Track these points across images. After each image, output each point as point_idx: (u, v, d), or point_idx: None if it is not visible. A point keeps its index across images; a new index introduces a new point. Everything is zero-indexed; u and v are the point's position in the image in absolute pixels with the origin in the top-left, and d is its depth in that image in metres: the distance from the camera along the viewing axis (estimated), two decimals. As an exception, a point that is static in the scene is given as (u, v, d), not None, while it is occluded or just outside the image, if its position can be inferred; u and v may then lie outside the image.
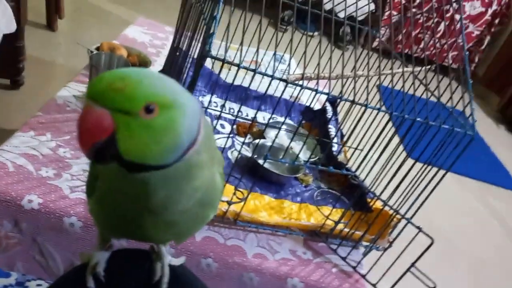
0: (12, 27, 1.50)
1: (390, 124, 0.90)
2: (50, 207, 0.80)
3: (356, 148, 1.10)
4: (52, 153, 0.92)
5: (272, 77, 0.73)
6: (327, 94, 0.76)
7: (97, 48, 1.29)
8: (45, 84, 2.01)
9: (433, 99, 0.91)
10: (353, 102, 0.77)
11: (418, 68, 1.03)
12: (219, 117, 0.82)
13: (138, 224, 0.42)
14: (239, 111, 0.91)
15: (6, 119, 1.74)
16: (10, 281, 0.73)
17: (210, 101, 0.99)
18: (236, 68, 0.71)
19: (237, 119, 1.17)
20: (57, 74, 2.16)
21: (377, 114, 0.92)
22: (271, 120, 1.24)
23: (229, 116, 1.24)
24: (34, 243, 0.83)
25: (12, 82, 1.92)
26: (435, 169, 0.88)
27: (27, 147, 0.91)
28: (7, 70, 1.90)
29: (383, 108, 0.84)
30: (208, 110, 1.15)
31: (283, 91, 0.78)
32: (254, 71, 0.71)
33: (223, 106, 0.93)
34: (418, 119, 0.79)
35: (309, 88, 0.75)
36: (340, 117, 1.32)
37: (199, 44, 0.84)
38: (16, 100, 1.86)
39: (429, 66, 0.98)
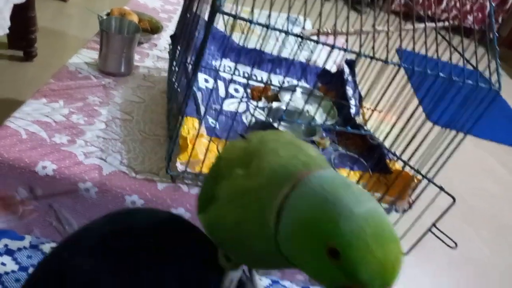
0: (21, -5, 1.49)
1: (409, 84, 0.86)
2: (64, 173, 0.80)
3: (374, 109, 1.07)
4: (65, 120, 0.91)
5: (287, 33, 0.69)
6: (345, 50, 0.72)
7: (108, 14, 1.26)
8: (58, 55, 2.00)
9: (454, 59, 0.86)
10: (372, 57, 0.73)
11: (440, 24, 0.98)
12: (230, 81, 0.79)
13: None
14: (251, 74, 0.88)
15: (20, 91, 1.74)
16: (24, 244, 0.73)
17: (220, 65, 0.96)
18: (250, 31, 0.68)
19: (252, 83, 1.14)
20: (70, 45, 2.15)
21: (396, 73, 0.89)
22: (287, 84, 1.21)
23: (243, 80, 1.21)
24: (50, 209, 0.83)
25: (25, 54, 1.91)
26: (455, 130, 0.84)
27: (40, 114, 0.90)
28: (20, 42, 1.89)
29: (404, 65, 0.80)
30: (221, 74, 1.12)
31: (297, 49, 0.75)
32: (267, 26, 0.68)
33: (235, 69, 0.90)
34: (441, 74, 0.75)
35: (326, 44, 0.72)
36: (358, 78, 1.28)
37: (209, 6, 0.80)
38: (29, 72, 1.86)
39: (451, 21, 0.93)
